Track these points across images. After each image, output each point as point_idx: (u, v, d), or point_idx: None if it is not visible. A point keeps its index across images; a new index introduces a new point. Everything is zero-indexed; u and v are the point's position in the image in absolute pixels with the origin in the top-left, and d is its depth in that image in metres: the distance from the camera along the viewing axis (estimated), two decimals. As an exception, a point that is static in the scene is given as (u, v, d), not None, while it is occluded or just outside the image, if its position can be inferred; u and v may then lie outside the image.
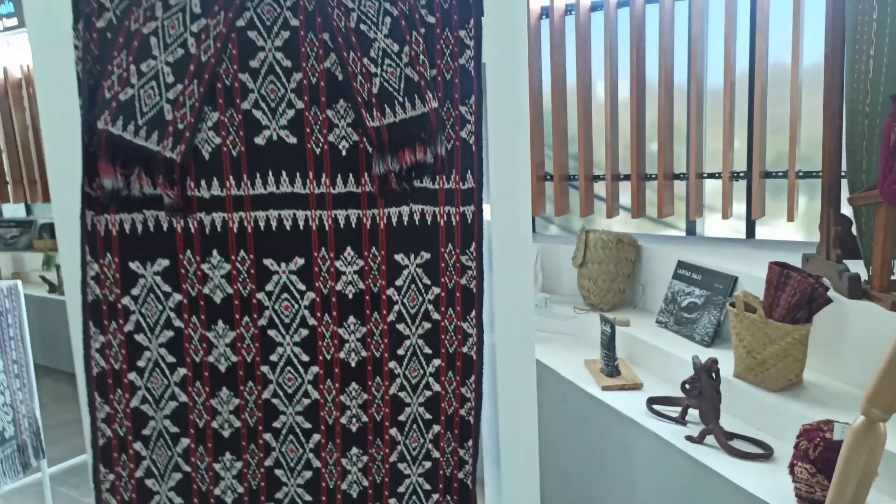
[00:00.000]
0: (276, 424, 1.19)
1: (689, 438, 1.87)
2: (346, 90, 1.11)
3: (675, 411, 2.03)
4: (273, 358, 1.17)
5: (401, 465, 1.24)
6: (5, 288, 2.40)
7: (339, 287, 1.17)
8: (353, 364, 1.19)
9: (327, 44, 1.10)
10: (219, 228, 1.13)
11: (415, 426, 1.24)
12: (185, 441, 1.17)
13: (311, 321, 1.17)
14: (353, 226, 1.16)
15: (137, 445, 1.16)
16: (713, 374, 1.87)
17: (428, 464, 1.25)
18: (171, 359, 1.15)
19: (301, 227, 1.14)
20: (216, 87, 1.09)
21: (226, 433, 1.18)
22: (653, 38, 2.95)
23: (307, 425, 1.19)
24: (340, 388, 1.19)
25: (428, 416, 1.24)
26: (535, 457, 1.31)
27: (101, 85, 1.07)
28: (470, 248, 1.19)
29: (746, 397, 1.98)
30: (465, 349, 1.22)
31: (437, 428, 1.24)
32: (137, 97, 1.07)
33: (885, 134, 1.76)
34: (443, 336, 1.22)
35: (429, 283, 1.20)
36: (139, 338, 1.14)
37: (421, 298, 1.20)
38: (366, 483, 1.23)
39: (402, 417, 1.23)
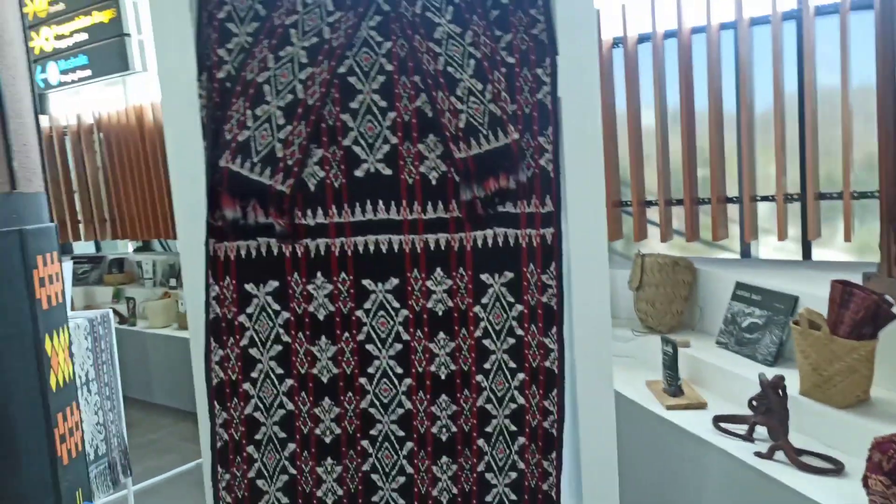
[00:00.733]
0: (373, 432, 1.29)
1: (758, 454, 1.90)
2: (436, 126, 1.23)
3: (741, 429, 2.06)
4: (370, 370, 1.28)
5: (488, 475, 1.31)
6: (98, 317, 2.59)
7: (430, 305, 1.27)
8: (443, 377, 1.28)
9: (418, 85, 1.23)
10: (322, 252, 1.26)
11: (501, 437, 1.31)
12: (291, 446, 1.28)
13: (405, 336, 1.27)
14: (443, 248, 1.26)
15: (250, 449, 1.28)
16: (780, 391, 1.90)
17: (514, 474, 1.31)
18: (279, 370, 1.27)
19: (395, 251, 1.26)
20: (321, 126, 1.23)
21: (327, 439, 1.28)
22: (700, 65, 3.03)
23: (401, 433, 1.29)
24: (431, 399, 1.29)
25: (513, 427, 1.30)
26: (615, 471, 1.34)
27: (221, 129, 1.21)
28: (550, 268, 1.28)
29: (814, 414, 2.00)
30: (547, 363, 1.30)
31: (521, 440, 1.30)
32: (253, 138, 1.21)
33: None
34: (526, 351, 1.30)
35: (512, 300, 1.28)
36: (253, 351, 1.27)
37: (505, 315, 1.29)
38: (455, 491, 1.30)
39: (489, 429, 1.30)
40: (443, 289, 1.27)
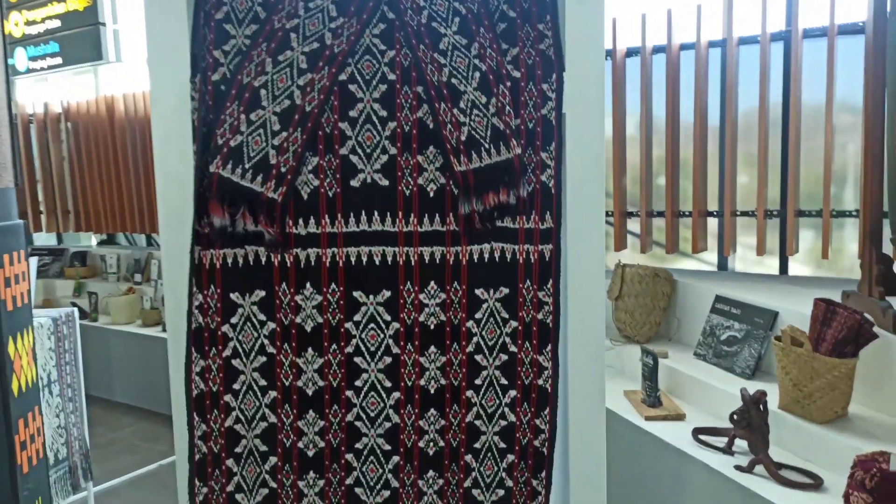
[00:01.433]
0: (358, 445, 1.25)
1: (738, 468, 1.91)
2: (437, 137, 1.20)
3: (721, 441, 2.07)
4: (358, 383, 1.24)
5: (475, 492, 1.29)
6: (63, 315, 2.48)
7: (422, 318, 1.24)
8: (432, 391, 1.25)
9: (421, 95, 1.19)
10: (313, 263, 1.21)
11: (489, 454, 1.29)
12: (272, 459, 1.24)
13: (395, 349, 1.24)
14: (438, 262, 1.23)
15: (230, 462, 1.23)
16: (762, 406, 1.92)
17: (501, 492, 1.29)
18: (263, 382, 1.23)
19: (389, 263, 1.22)
20: (318, 134, 1.19)
21: (310, 453, 1.25)
22: (688, 81, 3.05)
23: (387, 447, 1.26)
24: (420, 413, 1.26)
25: (502, 444, 1.29)
26: (604, 491, 1.33)
27: (214, 132, 1.16)
28: (547, 285, 1.26)
29: (793, 429, 2.02)
30: (540, 381, 1.28)
31: (511, 457, 1.28)
32: (246, 143, 1.16)
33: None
34: (519, 368, 1.28)
35: (507, 316, 1.26)
36: (235, 362, 1.22)
37: (499, 331, 1.27)
38: None
39: (477, 445, 1.28)
40: (436, 302, 1.24)
